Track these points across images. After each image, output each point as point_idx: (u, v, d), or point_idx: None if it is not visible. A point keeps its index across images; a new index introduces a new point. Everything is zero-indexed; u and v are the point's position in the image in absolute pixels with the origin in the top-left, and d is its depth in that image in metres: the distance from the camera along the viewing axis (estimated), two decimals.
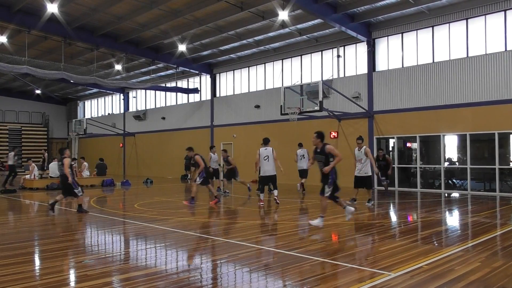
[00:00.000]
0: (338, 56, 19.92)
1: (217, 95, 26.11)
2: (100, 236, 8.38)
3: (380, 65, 18.67)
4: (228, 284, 5.12)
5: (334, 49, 20.12)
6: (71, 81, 23.93)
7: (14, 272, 5.43)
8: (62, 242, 7.54)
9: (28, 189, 18.53)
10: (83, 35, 20.81)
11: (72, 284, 5.16)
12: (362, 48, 19.14)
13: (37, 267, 5.92)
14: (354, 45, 19.43)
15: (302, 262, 5.87)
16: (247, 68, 24.28)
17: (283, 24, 18.44)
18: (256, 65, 23.70)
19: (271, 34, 20.15)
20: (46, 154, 25.42)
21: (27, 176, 19.69)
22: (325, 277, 5.14)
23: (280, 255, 6.34)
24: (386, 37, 18.41)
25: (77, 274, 5.59)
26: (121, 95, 33.46)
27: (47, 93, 35.20)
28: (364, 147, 12.14)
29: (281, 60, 22.45)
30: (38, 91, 34.23)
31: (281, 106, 17.90)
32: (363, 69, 19.06)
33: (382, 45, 18.65)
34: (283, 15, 16.50)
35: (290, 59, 22.07)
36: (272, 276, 5.34)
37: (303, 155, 16.09)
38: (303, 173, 16.02)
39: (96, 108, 37.51)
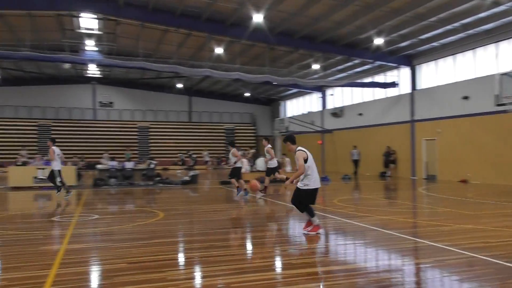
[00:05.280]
0: None
1: (417, 87, 24.48)
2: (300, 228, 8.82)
3: None
4: None
5: None
6: (274, 83, 25.99)
7: (220, 255, 6.20)
8: (267, 231, 8.22)
9: None
10: (284, 39, 22.38)
11: (278, 270, 5.60)
12: None
13: (246, 252, 6.61)
14: None
15: None
16: (452, 56, 22.01)
17: (497, 1, 16.04)
18: (463, 51, 21.27)
19: (481, 14, 17.76)
20: (253, 150, 27.72)
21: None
22: None
23: (499, 266, 5.55)
24: None
25: (282, 261, 6.05)
26: (319, 93, 34.62)
27: (254, 95, 39.20)
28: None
29: (494, 44, 19.59)
30: (247, 94, 38.48)
31: (496, 95, 15.64)
32: None
33: None
34: None
35: (507, 40, 19.05)
36: None
37: None
38: None
39: (296, 107, 39.78)
